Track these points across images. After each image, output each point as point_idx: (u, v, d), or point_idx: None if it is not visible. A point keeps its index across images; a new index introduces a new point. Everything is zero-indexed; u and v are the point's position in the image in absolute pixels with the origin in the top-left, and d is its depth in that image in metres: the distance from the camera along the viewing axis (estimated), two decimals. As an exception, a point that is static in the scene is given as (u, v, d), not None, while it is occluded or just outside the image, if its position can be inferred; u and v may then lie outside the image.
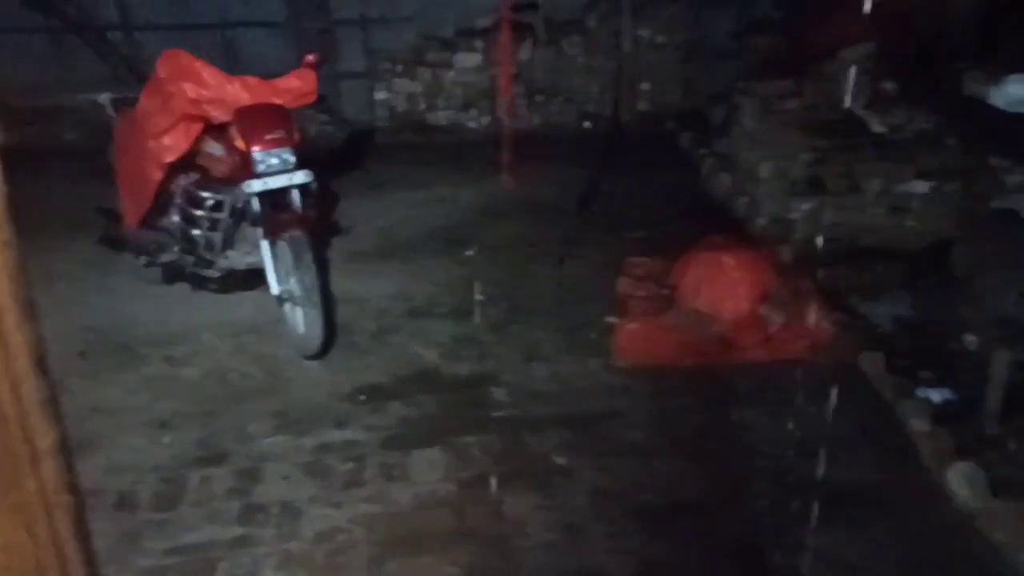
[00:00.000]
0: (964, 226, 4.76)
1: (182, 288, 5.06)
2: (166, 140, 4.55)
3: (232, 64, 5.02)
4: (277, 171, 4.42)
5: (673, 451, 3.71)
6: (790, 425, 3.79)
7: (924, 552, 3.12)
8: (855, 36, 5.91)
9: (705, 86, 7.82)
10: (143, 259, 5.02)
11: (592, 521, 3.34)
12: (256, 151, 4.37)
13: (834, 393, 3.97)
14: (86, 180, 5.57)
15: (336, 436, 3.89)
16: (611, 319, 4.58)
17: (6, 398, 0.97)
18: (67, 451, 1.08)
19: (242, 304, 4.92)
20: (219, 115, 4.53)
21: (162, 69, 4.52)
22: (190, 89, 4.46)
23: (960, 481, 3.34)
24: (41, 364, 1.01)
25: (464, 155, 7.30)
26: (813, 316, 4.40)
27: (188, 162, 4.70)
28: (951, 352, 4.31)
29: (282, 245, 4.40)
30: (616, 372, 4.25)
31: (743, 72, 6.78)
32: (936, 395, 3.93)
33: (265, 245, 4.48)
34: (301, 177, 4.46)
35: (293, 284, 4.38)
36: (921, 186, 5.21)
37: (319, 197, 4.94)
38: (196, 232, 4.74)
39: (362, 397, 4.15)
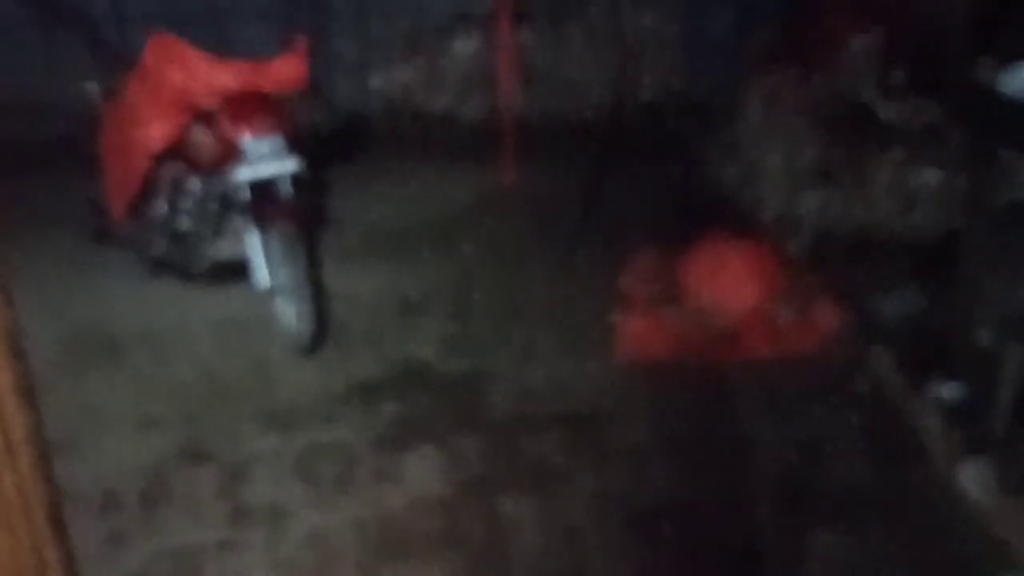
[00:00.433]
0: (974, 219, 4.63)
1: (169, 281, 4.93)
2: (154, 129, 4.42)
3: (223, 54, 4.89)
4: (267, 159, 4.29)
5: (674, 452, 3.59)
6: (795, 423, 3.68)
7: (933, 553, 3.03)
8: (862, 25, 5.77)
9: (709, 76, 7.67)
10: (129, 251, 4.89)
11: (590, 524, 3.24)
12: (245, 139, 4.25)
13: (841, 390, 3.86)
14: (72, 171, 5.43)
15: (327, 436, 3.77)
16: (613, 316, 4.45)
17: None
18: (43, 440, 0.99)
19: (230, 297, 4.79)
20: (207, 102, 4.40)
21: (149, 55, 4.39)
22: (178, 76, 4.33)
23: (971, 479, 3.26)
24: (15, 350, 0.91)
25: (460, 145, 7.17)
26: (821, 312, 4.28)
27: (176, 150, 4.57)
28: (962, 348, 4.18)
29: (273, 236, 4.28)
30: (617, 371, 4.12)
31: (748, 62, 6.64)
32: (946, 392, 3.81)
33: (255, 236, 4.35)
34: (292, 166, 4.33)
35: (284, 277, 4.26)
36: (930, 178, 5.08)
37: (310, 188, 4.82)
38: (184, 222, 4.61)
39: (353, 395, 4.03)
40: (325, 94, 7.58)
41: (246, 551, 3.20)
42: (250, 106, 4.30)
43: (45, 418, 1.10)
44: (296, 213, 4.33)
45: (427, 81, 7.88)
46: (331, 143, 6.69)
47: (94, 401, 3.98)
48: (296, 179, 4.42)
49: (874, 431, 3.62)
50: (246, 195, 4.33)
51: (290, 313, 4.28)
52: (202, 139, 4.51)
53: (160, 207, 4.68)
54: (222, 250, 4.67)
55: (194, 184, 4.54)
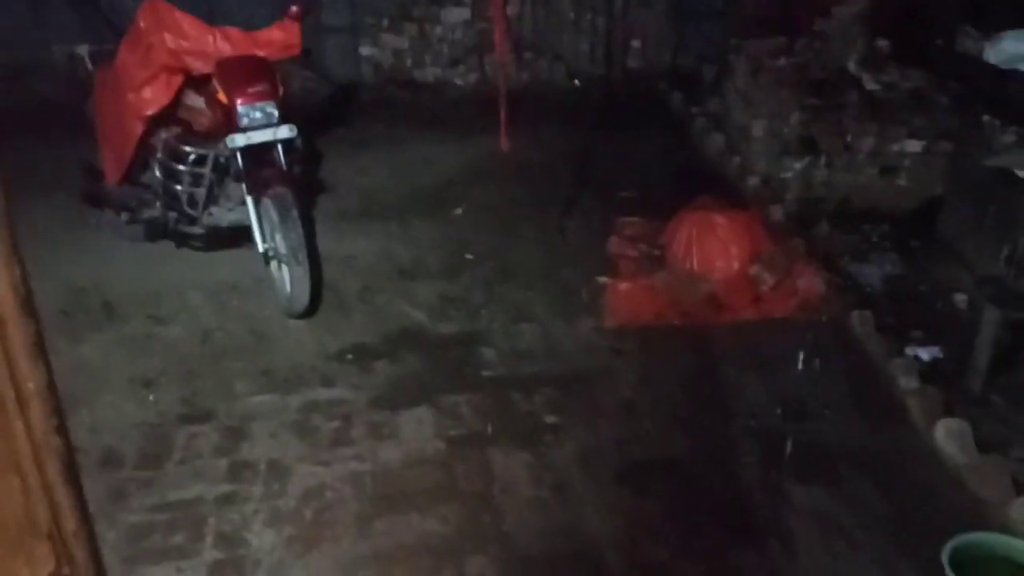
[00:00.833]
0: (955, 185, 4.73)
1: (164, 246, 4.98)
2: (146, 93, 4.45)
3: (215, 21, 4.90)
4: (261, 125, 4.33)
5: (661, 410, 3.70)
6: (779, 384, 3.78)
7: (912, 508, 3.13)
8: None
9: (696, 44, 7.72)
10: (124, 216, 4.93)
11: (579, 479, 3.33)
12: (239, 105, 4.28)
13: (823, 352, 3.96)
14: (65, 136, 5.45)
15: (323, 395, 3.86)
16: (601, 279, 4.54)
17: (-11, 340, 0.93)
18: (55, 394, 1.05)
19: (225, 262, 4.85)
20: (200, 67, 4.43)
21: (142, 20, 4.40)
22: (170, 40, 4.35)
23: (948, 438, 3.35)
24: (27, 305, 0.97)
25: (451, 113, 7.21)
26: (803, 276, 4.38)
27: (169, 116, 4.60)
28: (940, 311, 4.31)
29: (267, 202, 4.33)
30: (605, 332, 4.22)
31: (734, 30, 6.69)
32: (925, 354, 3.93)
33: (250, 202, 4.40)
34: (285, 132, 4.38)
35: (279, 242, 4.31)
36: (913, 145, 5.18)
37: (303, 154, 4.86)
38: (178, 188, 4.65)
39: (349, 356, 4.11)
40: (316, 62, 7.60)
41: (246, 504, 3.28)
42: (244, 72, 4.33)
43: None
44: (291, 179, 4.37)
45: (418, 49, 7.90)
46: (322, 110, 6.71)
47: (92, 361, 4.04)
48: (290, 145, 4.47)
49: (855, 391, 3.73)
50: (241, 161, 4.37)
51: (285, 277, 4.35)
52: (195, 104, 4.54)
53: (154, 172, 4.73)
54: (217, 215, 4.72)
55: (188, 149, 4.58)
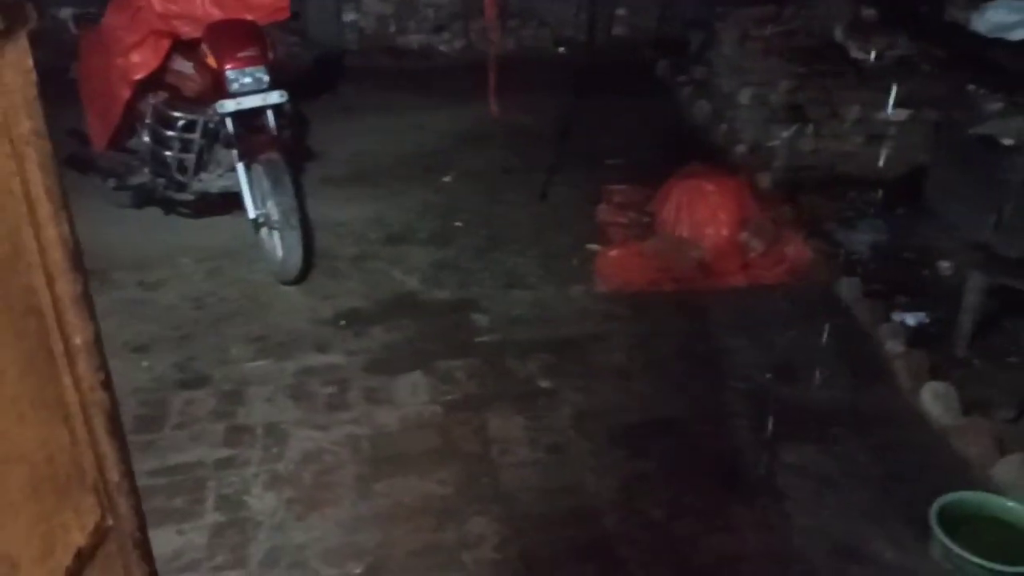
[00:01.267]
0: (941, 153, 4.79)
1: (153, 212, 4.96)
2: (134, 57, 4.40)
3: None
4: (251, 91, 4.31)
5: (654, 373, 3.75)
6: (769, 348, 3.85)
7: (899, 467, 3.21)
8: (835, -39, 5.85)
9: (681, 12, 7.70)
10: (112, 182, 4.88)
11: (575, 440, 3.39)
12: (229, 69, 4.25)
13: (812, 317, 4.03)
14: (49, 101, 5.37)
15: (318, 360, 3.88)
16: (592, 246, 4.58)
17: (41, 293, 0.95)
18: (101, 349, 1.07)
19: (215, 228, 4.84)
20: (189, 31, 4.39)
21: (129, -18, 4.35)
22: (158, 3, 4.31)
23: (933, 400, 3.44)
24: (75, 258, 0.99)
25: (437, 79, 7.17)
26: (792, 243, 4.43)
27: (157, 81, 4.55)
28: (925, 277, 4.38)
29: (258, 168, 4.31)
30: (597, 298, 4.27)
31: (721, -1, 6.69)
32: (911, 319, 4.01)
33: (240, 168, 4.38)
34: (276, 97, 4.36)
35: (271, 208, 4.30)
36: (899, 113, 5.22)
37: (293, 119, 4.84)
38: (167, 153, 4.62)
39: (343, 322, 4.13)
40: (301, 27, 7.51)
41: (245, 468, 3.31)
42: (234, 37, 4.30)
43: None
44: (281, 144, 4.36)
45: (402, 15, 7.84)
46: (308, 76, 6.66)
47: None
48: (280, 111, 4.45)
49: (843, 355, 3.80)
50: (231, 126, 4.35)
51: (277, 243, 4.35)
52: (184, 69, 4.51)
53: (142, 138, 4.69)
54: (206, 181, 4.70)
55: (177, 115, 4.54)
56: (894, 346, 3.76)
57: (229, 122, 4.34)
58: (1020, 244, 3.86)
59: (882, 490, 3.09)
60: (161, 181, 4.76)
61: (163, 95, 4.59)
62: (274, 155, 4.24)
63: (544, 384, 3.68)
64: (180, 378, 3.74)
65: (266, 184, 4.27)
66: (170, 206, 4.91)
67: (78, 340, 1.03)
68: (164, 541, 2.86)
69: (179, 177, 4.69)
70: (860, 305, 4.07)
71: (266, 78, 4.32)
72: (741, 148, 5.55)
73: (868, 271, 4.38)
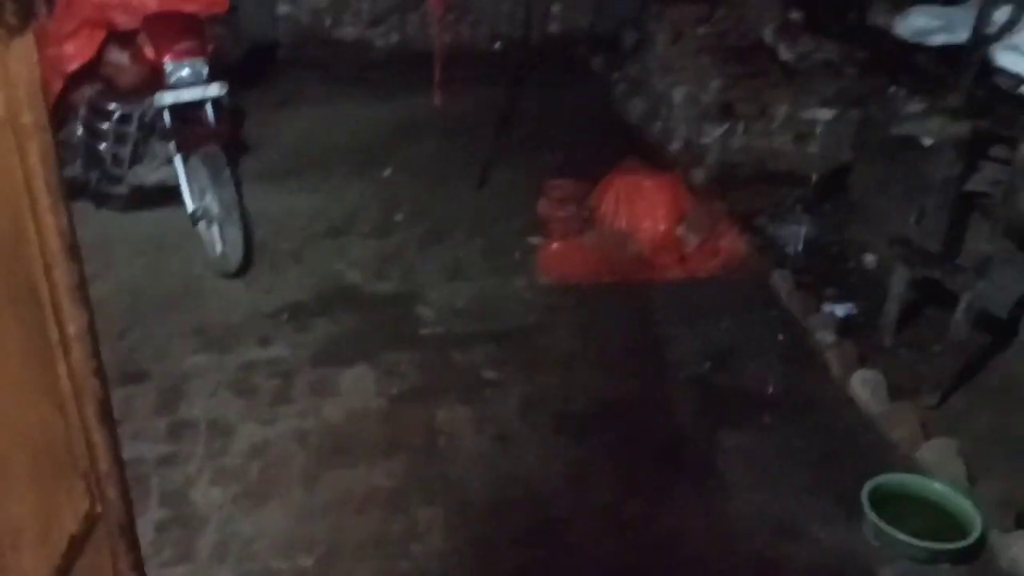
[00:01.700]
0: (865, 151, 4.98)
1: (85, 205, 4.84)
2: (68, 48, 4.33)
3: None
4: (190, 83, 4.26)
5: (597, 362, 3.84)
6: (708, 337, 3.96)
7: (831, 450, 3.35)
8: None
9: (615, 10, 7.81)
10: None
11: (521, 429, 3.45)
12: (168, 62, 4.19)
13: (746, 308, 4.16)
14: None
15: (261, 354, 3.86)
16: (533, 239, 4.64)
17: (40, 282, 0.97)
18: (94, 338, 1.08)
19: (150, 221, 4.76)
20: (125, 21, 4.32)
21: (62, -30, 4.26)
22: (93, -7, 4.23)
23: (862, 387, 3.58)
24: (72, 249, 1.00)
25: (374, 73, 7.14)
26: (726, 236, 4.57)
27: (91, 72, 4.47)
28: (852, 270, 4.56)
29: (196, 161, 4.27)
30: (540, 289, 4.33)
31: (653, -1, 6.82)
32: (840, 310, 4.16)
33: (178, 161, 4.33)
34: (215, 89, 4.32)
35: (210, 201, 4.26)
36: (825, 113, 5.40)
37: (230, 112, 4.79)
38: (102, 146, 4.53)
39: (285, 315, 4.12)
40: (230, 19, 7.40)
41: (188, 463, 3.28)
42: (173, 28, 4.25)
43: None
44: (220, 137, 4.32)
45: (337, 8, 7.78)
46: (240, 68, 6.57)
47: (18, 323, 3.94)
48: (218, 103, 4.40)
49: (777, 344, 3.94)
50: (168, 119, 4.29)
51: (216, 236, 4.31)
52: (120, 60, 4.43)
53: (76, 130, 4.59)
54: (142, 174, 4.62)
55: (112, 107, 4.46)
56: (825, 336, 3.90)
57: (167, 114, 4.28)
58: (941, 238, 4.06)
59: (816, 472, 3.23)
60: (94, 174, 4.67)
61: (98, 87, 4.50)
62: (213, 148, 4.20)
63: (489, 375, 3.73)
64: (118, 373, 3.67)
65: (205, 177, 4.22)
66: (102, 200, 4.80)
67: (72, 328, 1.04)
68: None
69: (114, 170, 4.61)
70: (792, 297, 4.21)
71: (205, 70, 4.28)
72: (675, 145, 5.67)
73: (799, 264, 4.53)
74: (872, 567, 2.87)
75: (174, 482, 3.20)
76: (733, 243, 4.54)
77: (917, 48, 4.50)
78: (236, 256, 4.21)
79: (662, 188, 4.68)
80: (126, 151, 4.54)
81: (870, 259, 4.60)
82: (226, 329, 3.99)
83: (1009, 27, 3.85)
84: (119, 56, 4.41)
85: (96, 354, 1.10)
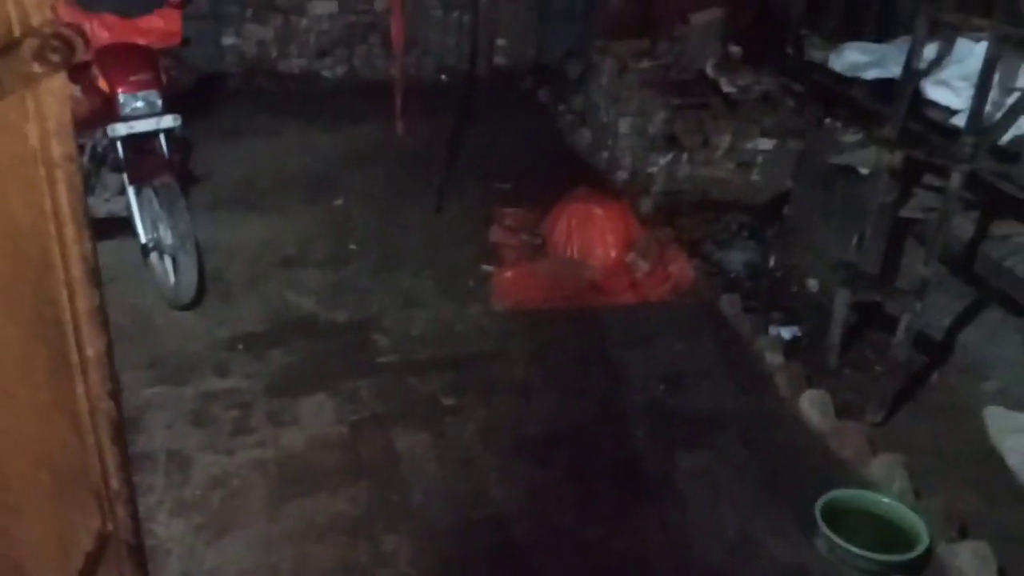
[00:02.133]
0: (804, 180, 5.17)
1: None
2: (17, 78, 4.27)
3: (91, 7, 4.74)
4: (144, 114, 4.24)
5: (552, 387, 3.90)
6: (660, 361, 4.06)
7: (783, 468, 3.46)
8: (703, 2, 6.26)
9: (559, 43, 8.00)
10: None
11: (481, 454, 3.49)
12: (122, 93, 4.18)
13: (697, 331, 4.28)
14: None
15: (218, 384, 3.84)
16: (487, 267, 4.72)
17: (63, 306, 1.00)
18: (111, 361, 1.11)
19: (101, 253, 4.66)
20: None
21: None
22: (44, 24, 4.19)
23: (811, 407, 3.71)
24: (94, 276, 1.04)
25: (321, 103, 7.19)
26: (675, 262, 4.69)
27: (40, 102, 4.42)
28: (796, 294, 4.72)
29: (149, 192, 4.25)
30: (494, 316, 4.40)
31: (597, 30, 7.00)
32: (786, 332, 4.31)
33: (131, 192, 4.30)
34: (169, 121, 4.30)
35: (163, 233, 4.24)
36: (765, 143, 5.61)
37: (181, 143, 4.79)
38: (50, 177, 4.48)
39: (240, 346, 4.10)
40: (177, 51, 7.37)
41: (148, 495, 3.24)
42: (127, 60, 4.23)
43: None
44: (173, 168, 4.31)
45: (283, 40, 7.82)
46: (187, 100, 6.55)
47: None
48: (171, 135, 4.40)
49: (728, 366, 4.06)
50: (121, 151, 4.27)
51: (169, 268, 4.28)
52: (72, 93, 4.39)
53: (23, 159, 4.53)
54: (93, 206, 4.56)
55: (61, 136, 4.42)
56: (773, 357, 4.03)
57: (119, 146, 4.26)
58: (879, 263, 4.24)
59: (769, 489, 3.33)
60: (42, 205, 4.60)
61: (46, 117, 4.45)
62: (167, 179, 4.18)
63: (448, 401, 3.77)
64: (73, 406, 3.63)
65: (158, 208, 4.20)
66: (51, 230, 4.74)
67: (91, 351, 1.08)
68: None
69: (62, 201, 4.55)
70: (740, 320, 4.34)
71: (159, 102, 4.27)
72: (622, 174, 5.82)
73: (745, 288, 4.68)
74: (826, 580, 2.97)
75: (132, 515, 3.16)
76: (682, 269, 4.67)
77: (852, 82, 4.72)
78: (190, 287, 4.19)
79: (612, 216, 4.80)
80: (76, 182, 4.48)
81: (813, 283, 4.77)
82: (182, 360, 3.97)
83: (938, 62, 4.06)
84: (71, 88, 4.37)
85: (112, 376, 1.14)
